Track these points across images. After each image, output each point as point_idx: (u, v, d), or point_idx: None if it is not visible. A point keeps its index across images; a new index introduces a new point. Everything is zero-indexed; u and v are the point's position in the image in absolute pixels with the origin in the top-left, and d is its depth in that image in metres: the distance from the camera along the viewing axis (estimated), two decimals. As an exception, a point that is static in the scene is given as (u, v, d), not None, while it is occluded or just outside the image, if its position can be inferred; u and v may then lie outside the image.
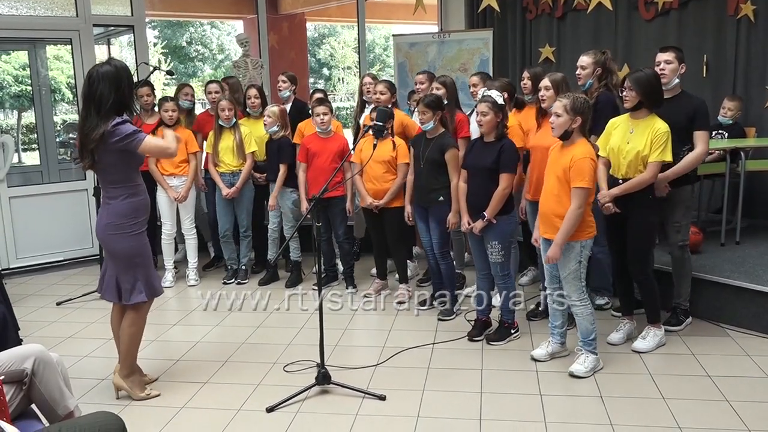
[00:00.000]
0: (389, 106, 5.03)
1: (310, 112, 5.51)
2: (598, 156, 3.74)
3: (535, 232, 3.83)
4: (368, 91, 5.50)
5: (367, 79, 5.58)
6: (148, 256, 3.45)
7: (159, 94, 6.04)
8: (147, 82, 5.64)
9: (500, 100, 3.92)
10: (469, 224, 4.09)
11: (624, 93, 3.77)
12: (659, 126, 3.66)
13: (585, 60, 4.24)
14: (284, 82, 5.83)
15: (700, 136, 3.87)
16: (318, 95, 5.48)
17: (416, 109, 4.90)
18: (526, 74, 4.63)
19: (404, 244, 5.11)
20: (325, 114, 5.03)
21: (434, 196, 4.42)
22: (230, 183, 5.44)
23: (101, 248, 5.12)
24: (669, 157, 3.67)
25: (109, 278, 3.40)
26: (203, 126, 5.75)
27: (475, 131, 4.86)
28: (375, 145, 4.16)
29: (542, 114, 4.20)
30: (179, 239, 5.88)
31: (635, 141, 3.71)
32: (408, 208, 4.70)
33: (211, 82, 6.01)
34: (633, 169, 3.74)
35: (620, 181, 3.79)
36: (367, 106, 5.57)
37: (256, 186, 5.61)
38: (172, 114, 5.27)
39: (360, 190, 4.92)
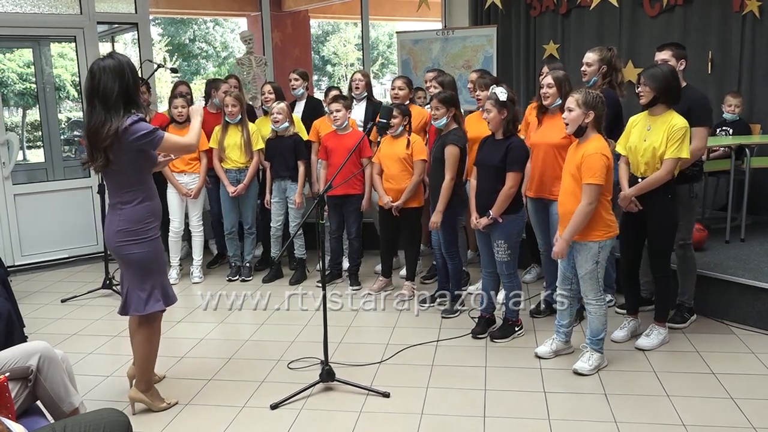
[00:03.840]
0: (407, 102, 5.07)
1: (326, 109, 5.51)
2: (614, 153, 3.69)
3: (558, 233, 3.78)
4: (357, 88, 5.55)
5: (358, 76, 5.62)
6: (163, 263, 3.31)
7: (167, 92, 6.04)
8: (144, 80, 5.64)
9: (503, 97, 3.91)
10: (476, 220, 4.09)
11: (639, 89, 3.72)
12: (676, 121, 3.60)
13: (591, 57, 4.20)
14: (296, 79, 5.82)
15: (695, 132, 3.76)
16: (333, 92, 5.49)
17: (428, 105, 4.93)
18: (545, 69, 4.53)
19: (419, 242, 5.11)
20: (338, 111, 5.03)
21: (439, 195, 4.41)
22: (236, 180, 5.44)
23: (106, 248, 5.13)
24: (686, 154, 3.60)
25: (124, 288, 3.22)
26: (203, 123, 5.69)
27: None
28: (379, 142, 4.17)
29: (543, 111, 4.20)
30: (184, 236, 5.88)
31: (652, 138, 3.66)
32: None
33: (230, 76, 6.04)
34: (651, 167, 3.68)
35: (639, 179, 3.75)
36: (355, 102, 5.59)
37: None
38: (182, 110, 5.27)
39: (378, 189, 4.93)
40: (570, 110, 3.49)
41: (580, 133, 3.51)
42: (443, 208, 4.37)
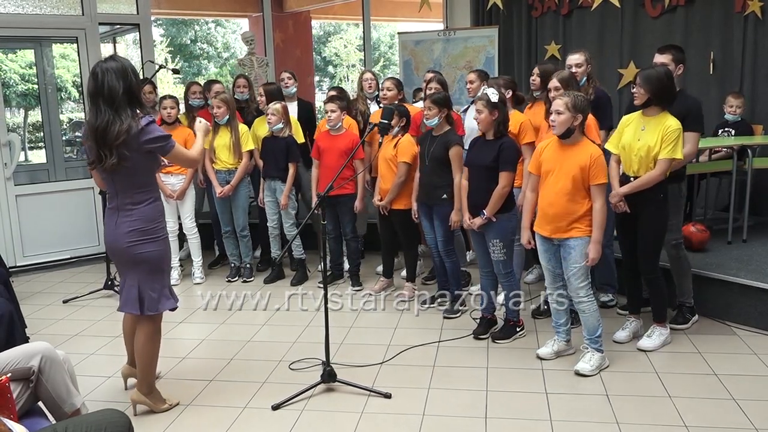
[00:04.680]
0: (396, 102, 5.06)
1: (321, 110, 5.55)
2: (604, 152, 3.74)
3: (526, 234, 3.80)
4: (369, 87, 5.56)
5: (368, 75, 5.62)
6: (169, 263, 3.35)
7: (168, 93, 6.06)
8: (148, 80, 5.64)
9: (494, 98, 3.91)
10: (469, 220, 4.09)
11: (633, 90, 3.76)
12: (670, 123, 3.65)
13: (579, 58, 4.32)
14: (290, 79, 5.85)
15: (688, 137, 3.82)
16: (330, 93, 5.49)
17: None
18: (535, 71, 4.63)
19: (415, 243, 5.11)
20: (333, 111, 5.03)
21: (438, 193, 4.41)
22: (225, 180, 5.44)
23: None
24: (679, 155, 3.65)
25: (130, 288, 3.19)
26: None
27: (469, 129, 4.89)
28: (381, 143, 4.17)
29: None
30: (183, 236, 5.88)
31: (646, 138, 3.70)
32: (413, 206, 4.70)
33: (240, 76, 6.09)
34: (644, 166, 3.72)
35: (632, 178, 3.77)
36: (369, 101, 5.61)
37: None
38: (170, 111, 5.26)
39: (377, 189, 4.98)
40: (559, 113, 3.51)
41: (567, 135, 3.54)
42: (460, 206, 4.31)
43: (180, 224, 5.63)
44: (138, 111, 3.04)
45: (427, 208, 4.56)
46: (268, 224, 5.52)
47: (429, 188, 4.48)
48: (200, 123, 3.48)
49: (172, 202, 5.44)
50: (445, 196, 4.39)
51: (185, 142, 5.26)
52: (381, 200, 4.84)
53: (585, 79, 4.31)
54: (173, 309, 3.29)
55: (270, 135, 5.33)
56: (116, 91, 2.96)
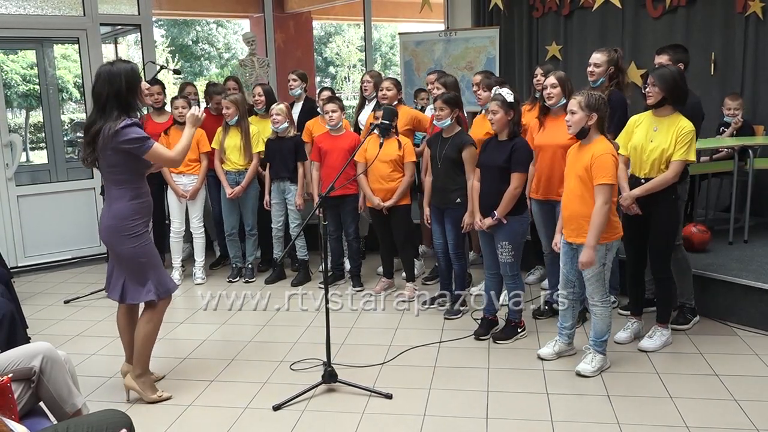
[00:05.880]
0: (395, 103, 5.05)
1: (318, 110, 5.54)
2: (618, 154, 3.68)
3: (556, 236, 3.77)
4: (365, 90, 5.55)
5: (366, 77, 5.61)
6: (154, 255, 3.41)
7: (170, 93, 6.06)
8: (157, 81, 5.65)
9: (510, 98, 3.90)
10: (480, 221, 4.08)
11: (647, 89, 3.70)
12: (684, 124, 3.61)
13: (599, 57, 4.19)
14: (294, 80, 5.84)
15: None
16: (327, 93, 5.48)
17: (431, 107, 4.92)
18: (539, 71, 4.61)
19: (412, 242, 5.10)
20: (334, 111, 5.03)
21: (452, 197, 4.38)
22: (235, 181, 5.44)
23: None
24: (692, 157, 3.63)
25: (117, 278, 3.40)
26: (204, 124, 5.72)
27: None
28: (381, 144, 4.16)
29: (545, 112, 4.19)
30: (186, 237, 5.88)
31: (659, 139, 3.66)
32: (426, 211, 4.64)
33: (229, 78, 6.07)
34: (656, 168, 3.68)
35: (642, 180, 3.74)
36: (366, 103, 5.59)
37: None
38: (182, 111, 5.28)
39: (365, 190, 4.92)
40: (573, 113, 3.47)
41: (582, 135, 3.50)
42: (474, 209, 4.26)
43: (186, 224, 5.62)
44: (128, 114, 3.20)
45: (438, 212, 4.53)
46: (272, 225, 5.52)
47: (442, 192, 4.43)
48: (192, 113, 3.51)
49: (183, 202, 5.45)
50: (459, 200, 4.35)
51: (197, 142, 5.30)
52: (382, 201, 4.83)
53: (602, 80, 4.19)
54: (151, 300, 3.39)
55: (275, 137, 5.33)
56: (101, 94, 3.18)
